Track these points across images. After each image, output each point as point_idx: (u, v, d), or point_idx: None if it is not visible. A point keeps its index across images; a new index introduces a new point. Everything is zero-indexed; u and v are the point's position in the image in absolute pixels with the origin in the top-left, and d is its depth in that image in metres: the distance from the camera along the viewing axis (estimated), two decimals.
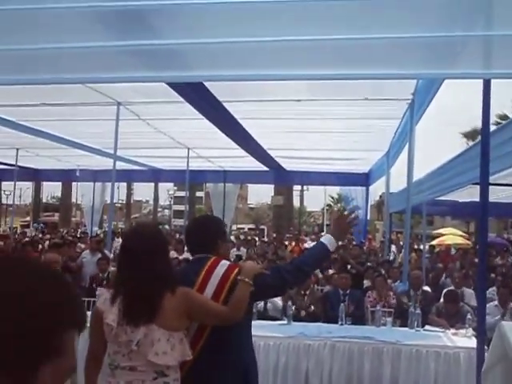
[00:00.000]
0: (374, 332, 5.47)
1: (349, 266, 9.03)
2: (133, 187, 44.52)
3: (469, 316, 5.52)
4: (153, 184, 37.51)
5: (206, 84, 7.52)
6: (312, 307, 6.57)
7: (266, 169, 15.46)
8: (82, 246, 13.73)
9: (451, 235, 23.68)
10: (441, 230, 27.32)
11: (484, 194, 3.76)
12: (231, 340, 2.58)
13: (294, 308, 6.09)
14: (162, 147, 12.30)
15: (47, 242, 14.71)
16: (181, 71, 4.12)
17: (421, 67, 3.71)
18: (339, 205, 48.23)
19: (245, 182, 19.84)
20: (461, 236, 25.47)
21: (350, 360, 5.11)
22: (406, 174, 8.16)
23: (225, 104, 8.47)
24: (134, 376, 2.42)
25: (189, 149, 12.69)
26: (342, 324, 5.81)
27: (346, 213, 3.05)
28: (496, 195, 9.83)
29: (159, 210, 51.86)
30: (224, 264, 2.70)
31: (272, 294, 3.28)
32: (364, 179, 15.37)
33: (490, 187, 7.76)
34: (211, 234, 2.83)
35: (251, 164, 14.37)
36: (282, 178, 16.71)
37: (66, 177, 18.35)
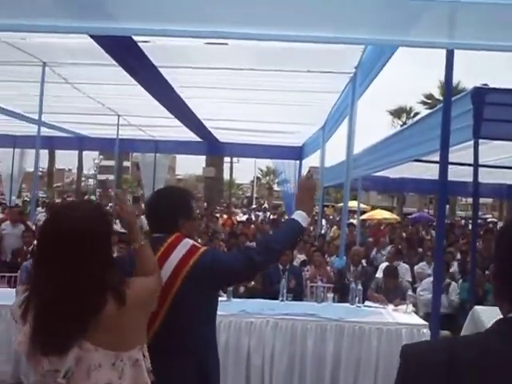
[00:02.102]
0: (316, 309, 5.39)
1: None
2: (54, 155, 42.54)
3: (409, 292, 5.55)
4: (76, 152, 36.00)
5: (142, 47, 7.07)
6: (252, 282, 6.42)
7: (198, 139, 15.08)
8: (1, 215, 12.90)
9: (378, 210, 24.40)
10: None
11: (443, 172, 3.67)
12: (186, 326, 2.28)
13: None
14: (89, 113, 11.62)
15: None
16: (106, 22, 3.66)
17: (375, 32, 3.52)
18: (267, 178, 48.67)
19: (177, 153, 19.32)
20: (385, 210, 26.34)
21: (293, 338, 5.00)
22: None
23: (161, 70, 8.02)
24: None
25: (119, 116, 12.08)
26: (282, 300, 5.69)
27: (305, 178, 2.58)
28: (417, 171, 10.04)
29: (83, 179, 50.02)
30: (185, 244, 2.30)
31: (242, 279, 2.99)
32: (297, 153, 15.34)
33: (412, 164, 7.92)
34: (170, 210, 2.43)
35: (183, 134, 13.94)
36: (215, 149, 16.38)
37: None
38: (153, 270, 1.99)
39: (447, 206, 39.78)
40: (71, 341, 1.63)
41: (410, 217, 24.24)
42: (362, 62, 6.94)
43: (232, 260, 2.33)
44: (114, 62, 7.33)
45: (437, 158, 5.45)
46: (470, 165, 4.77)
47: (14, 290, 5.95)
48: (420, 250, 10.74)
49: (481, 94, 4.52)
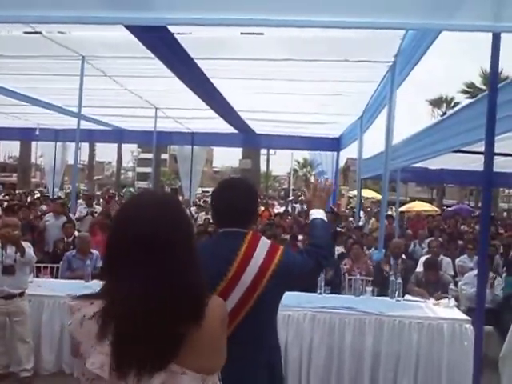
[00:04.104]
0: (354, 302, 5.30)
1: None
2: (95, 148, 43.45)
3: (451, 286, 5.39)
4: (116, 145, 36.61)
5: (178, 39, 7.07)
6: None
7: (234, 131, 15.06)
8: (45, 207, 13.20)
9: (418, 201, 23.94)
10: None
11: (489, 163, 3.52)
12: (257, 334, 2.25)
13: None
14: (128, 106, 11.75)
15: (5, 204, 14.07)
16: (142, 12, 3.64)
17: (417, 16, 3.39)
18: (304, 169, 48.40)
19: (213, 145, 19.33)
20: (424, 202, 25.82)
21: (331, 331, 4.93)
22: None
23: (197, 62, 8.02)
24: None
25: (157, 108, 12.18)
26: (320, 293, 5.62)
27: (318, 183, 2.56)
28: (459, 162, 9.76)
29: (122, 172, 50.88)
30: (265, 243, 2.26)
31: (308, 282, 2.97)
32: (335, 144, 15.17)
33: (452, 155, 7.67)
34: (255, 204, 2.34)
35: (219, 126, 13.94)
36: (251, 141, 16.35)
37: (25, 135, 17.46)
38: None
39: None
40: (162, 363, 1.34)
41: (449, 209, 23.67)
42: (402, 50, 6.77)
43: (305, 264, 2.29)
44: (151, 55, 7.36)
45: (479, 149, 5.26)
46: None
47: (55, 280, 6.10)
48: (460, 242, 10.47)
49: None
